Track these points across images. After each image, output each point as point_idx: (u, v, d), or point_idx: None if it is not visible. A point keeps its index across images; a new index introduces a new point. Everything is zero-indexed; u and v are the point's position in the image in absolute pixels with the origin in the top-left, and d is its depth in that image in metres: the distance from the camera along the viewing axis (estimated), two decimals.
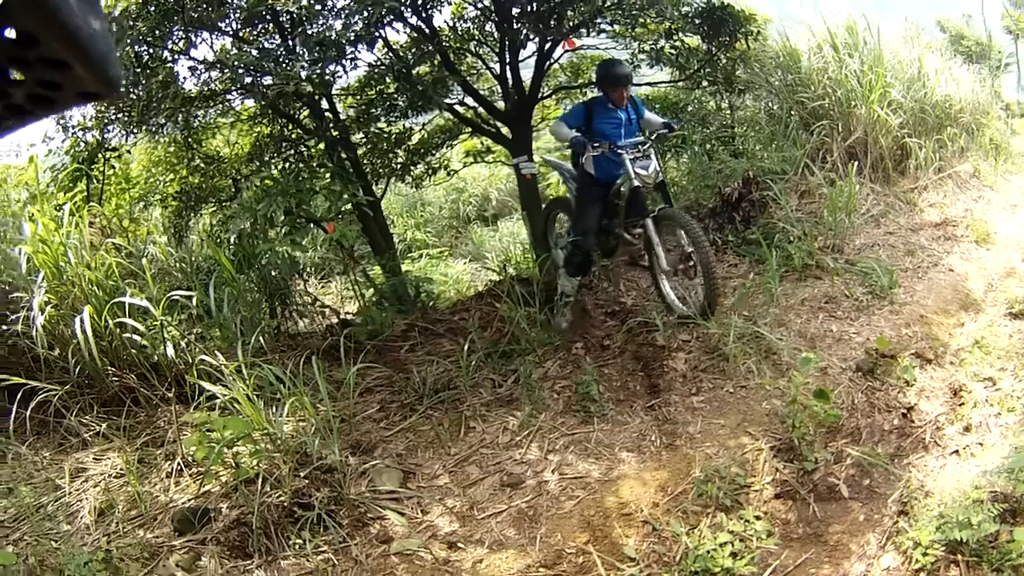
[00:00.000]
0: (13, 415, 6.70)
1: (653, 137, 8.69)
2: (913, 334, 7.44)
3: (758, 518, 5.51)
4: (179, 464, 6.59)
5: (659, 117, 9.20)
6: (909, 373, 6.72)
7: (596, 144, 8.11)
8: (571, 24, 10.07)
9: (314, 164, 10.49)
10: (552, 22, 10.08)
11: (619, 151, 8.09)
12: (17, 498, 6.12)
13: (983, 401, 6.28)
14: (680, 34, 11.54)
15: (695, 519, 5.61)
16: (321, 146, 10.69)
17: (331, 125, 10.31)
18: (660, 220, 8.16)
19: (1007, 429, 5.82)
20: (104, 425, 6.97)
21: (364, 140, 11.02)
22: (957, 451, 5.85)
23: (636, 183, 8.03)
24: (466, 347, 7.84)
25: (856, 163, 10.13)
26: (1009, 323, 7.54)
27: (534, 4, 10.24)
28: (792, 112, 11.51)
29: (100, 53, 0.82)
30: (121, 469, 6.49)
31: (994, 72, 14.09)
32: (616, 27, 11.54)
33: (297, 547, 5.71)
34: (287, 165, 10.72)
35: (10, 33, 0.77)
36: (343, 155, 10.05)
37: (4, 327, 7.36)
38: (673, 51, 11.54)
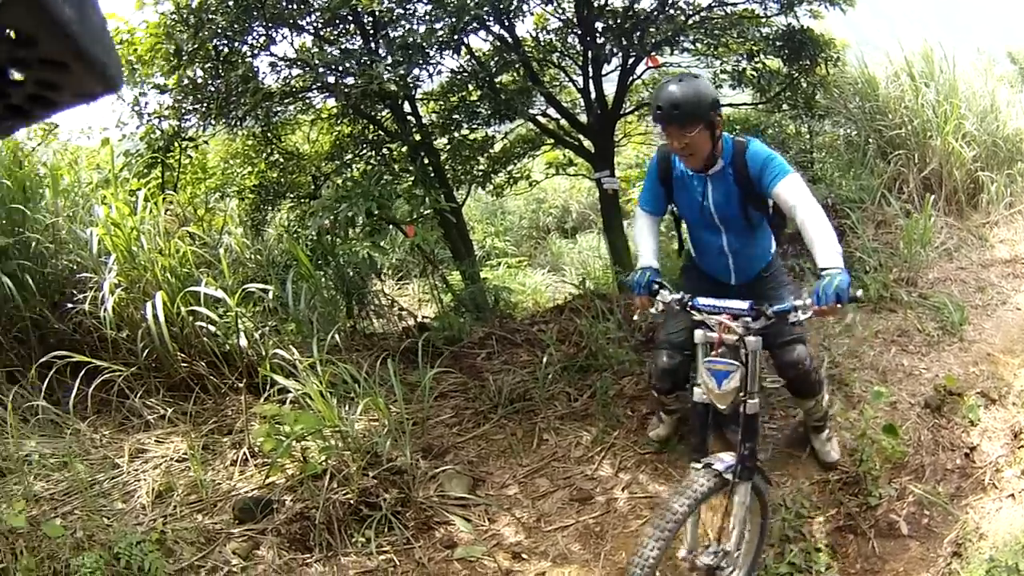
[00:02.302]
0: (74, 392, 6.77)
1: (774, 311, 4.79)
2: (979, 372, 7.42)
3: (819, 550, 5.58)
4: (245, 454, 6.68)
5: (829, 251, 4.77)
6: (974, 412, 6.73)
7: (660, 299, 5.22)
8: (654, 41, 9.91)
9: (396, 167, 10.55)
10: (635, 38, 10.04)
11: (693, 311, 5.03)
12: (71, 473, 6.18)
13: None
14: (762, 56, 11.54)
15: None
16: (403, 149, 10.76)
17: (414, 129, 10.42)
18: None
19: None
20: (170, 410, 7.09)
21: (446, 145, 11.03)
22: (1013, 495, 5.87)
23: (701, 396, 4.96)
24: (544, 359, 7.87)
25: (931, 195, 10.08)
26: None
27: (617, 19, 10.27)
28: (870, 140, 11.47)
29: (99, 54, 0.84)
30: (184, 453, 6.62)
31: None
32: (699, 46, 11.47)
33: (359, 545, 5.83)
34: (368, 166, 10.83)
35: (9, 34, 0.78)
36: (425, 160, 10.14)
37: (70, 305, 7.47)
38: (754, 73, 11.53)
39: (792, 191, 5.07)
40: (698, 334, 4.97)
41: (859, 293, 4.62)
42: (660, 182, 5.74)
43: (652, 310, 5.31)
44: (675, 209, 5.94)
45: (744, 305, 4.82)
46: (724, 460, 4.75)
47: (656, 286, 5.26)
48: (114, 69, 0.87)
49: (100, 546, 5.37)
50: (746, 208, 5.50)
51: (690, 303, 5.02)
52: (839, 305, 4.52)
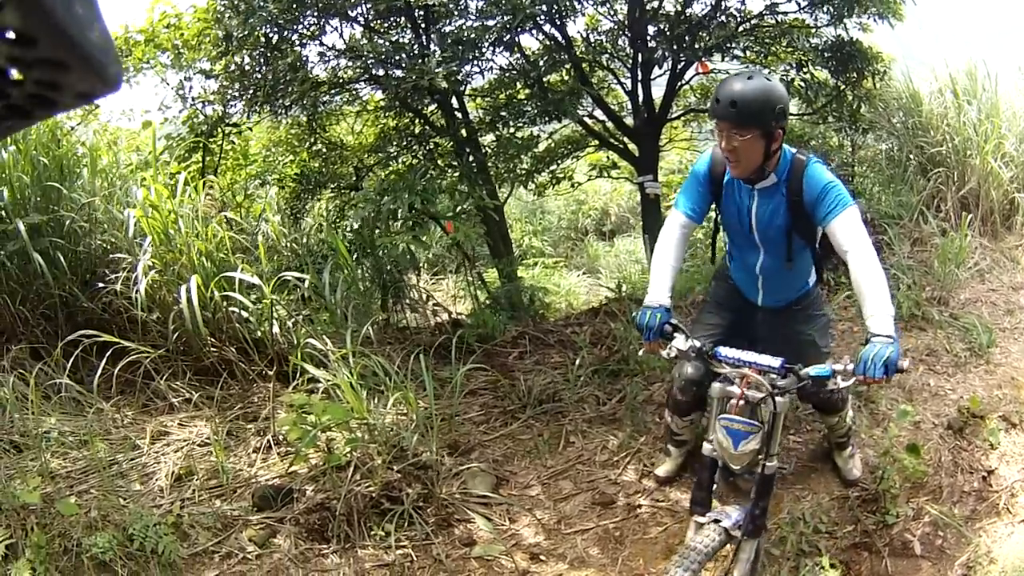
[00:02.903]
0: (99, 372, 6.87)
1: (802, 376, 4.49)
2: (1003, 396, 7.42)
3: (833, 566, 5.58)
4: (268, 442, 6.78)
5: (880, 304, 4.51)
6: (995, 436, 6.74)
7: (675, 345, 4.73)
8: (704, 46, 10.03)
9: (440, 162, 10.67)
10: (686, 42, 10.11)
11: (715, 363, 4.72)
12: (91, 451, 6.27)
13: None
14: (810, 66, 11.54)
15: (774, 561, 5.74)
16: (448, 144, 10.85)
17: (461, 124, 10.48)
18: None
19: None
20: (196, 394, 7.17)
21: (492, 143, 11.00)
22: None
23: (711, 453, 4.78)
24: (575, 361, 7.93)
25: (968, 215, 10.07)
26: None
27: (669, 24, 10.38)
28: (911, 156, 11.44)
29: (99, 53, 0.82)
30: (207, 438, 6.72)
31: None
32: (749, 53, 11.50)
33: (378, 539, 5.89)
34: (413, 160, 10.89)
35: (9, 34, 0.77)
36: (470, 156, 10.19)
37: (101, 285, 7.58)
38: (802, 83, 11.53)
39: (849, 231, 4.66)
40: (715, 387, 4.66)
41: (906, 364, 4.26)
42: (709, 184, 5.25)
43: (664, 354, 4.81)
44: (718, 217, 5.61)
45: (775, 362, 4.49)
46: (731, 516, 4.57)
47: (669, 328, 4.81)
48: (115, 68, 0.85)
49: (114, 526, 5.47)
50: (790, 234, 5.13)
51: (710, 352, 4.68)
52: (885, 378, 4.22)
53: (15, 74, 0.81)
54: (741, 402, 4.49)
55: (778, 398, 4.41)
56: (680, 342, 4.69)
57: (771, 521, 5.92)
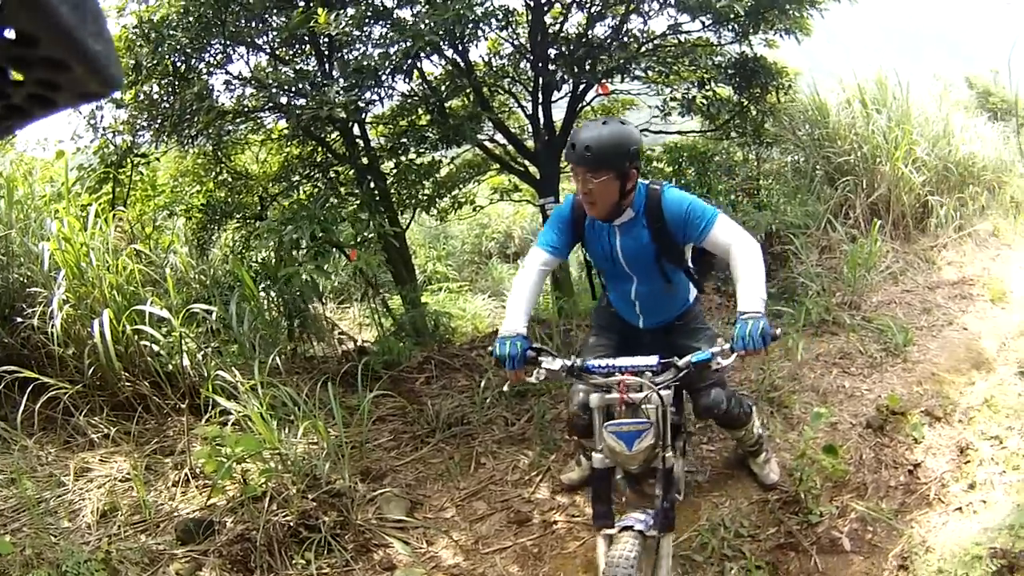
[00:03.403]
0: (22, 408, 6.77)
1: (680, 367, 4.55)
2: (924, 392, 7.44)
3: (759, 568, 5.53)
4: (186, 475, 6.70)
5: (755, 293, 4.58)
6: (918, 431, 6.73)
7: (544, 367, 4.66)
8: (605, 68, 10.01)
9: (342, 190, 10.52)
10: (587, 65, 10.10)
11: (589, 376, 4.67)
12: (19, 489, 6.21)
13: (989, 459, 6.27)
14: (712, 84, 11.62)
15: (697, 567, 5.66)
16: (350, 172, 10.76)
17: (362, 152, 10.41)
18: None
19: (1011, 487, 5.82)
20: (114, 429, 7.08)
21: (393, 169, 10.93)
22: (960, 508, 5.85)
23: (603, 463, 4.74)
24: (482, 383, 7.87)
25: (878, 220, 10.12)
26: (1019, 382, 7.47)
27: (570, 46, 10.33)
28: (818, 167, 11.53)
29: (100, 53, 0.82)
30: (127, 473, 6.63)
31: (1019, 129, 14.10)
32: (650, 73, 11.56)
33: (300, 567, 5.80)
34: (315, 188, 10.84)
35: (9, 33, 0.77)
36: (372, 183, 10.10)
37: (19, 320, 7.50)
38: (704, 101, 11.62)
39: (725, 234, 4.83)
40: (594, 398, 4.65)
41: (778, 331, 4.45)
42: (572, 224, 5.30)
43: (531, 379, 4.72)
44: (585, 256, 5.70)
45: (652, 360, 4.58)
46: (640, 519, 4.46)
47: (533, 353, 4.76)
48: (115, 68, 0.85)
49: (48, 564, 5.43)
50: (660, 260, 5.22)
51: (583, 368, 4.65)
52: (764, 349, 4.38)
53: (15, 74, 0.82)
54: (623, 407, 4.52)
55: (662, 392, 4.43)
56: (549, 363, 4.68)
57: (691, 529, 5.94)
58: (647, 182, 5.10)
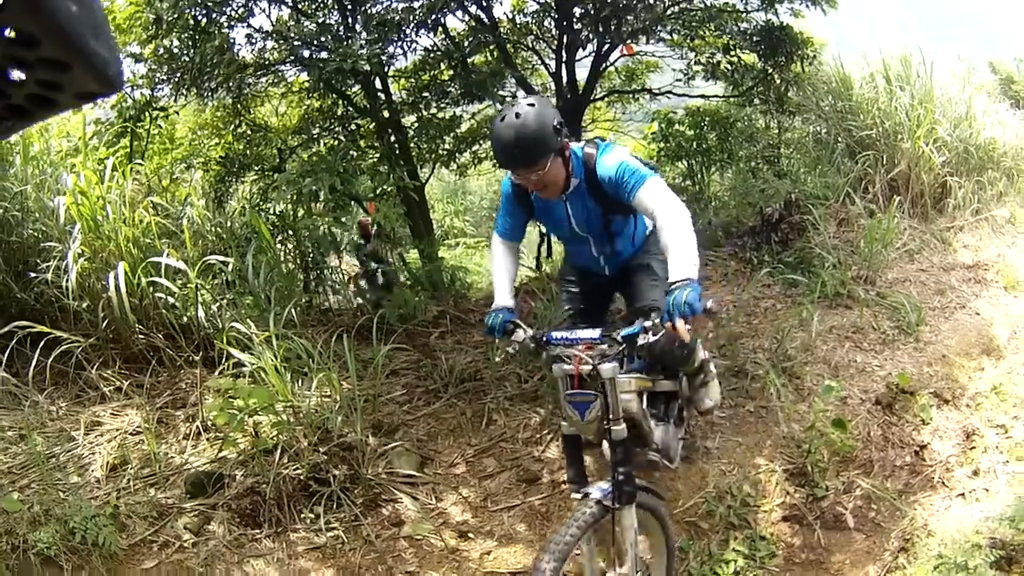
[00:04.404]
0: (33, 363, 6.77)
1: (626, 335, 4.54)
2: (934, 373, 7.40)
3: (764, 539, 5.61)
4: (198, 427, 6.73)
5: (681, 260, 4.40)
6: (926, 412, 6.73)
7: (514, 339, 4.94)
8: (631, 29, 9.98)
9: (362, 143, 10.53)
10: (612, 25, 10.03)
11: (549, 346, 4.76)
12: (28, 445, 6.25)
13: (993, 447, 6.28)
14: (737, 50, 11.63)
15: (703, 534, 5.72)
16: (371, 125, 10.73)
17: (383, 106, 10.38)
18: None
19: (1013, 477, 5.83)
20: (126, 382, 7.11)
21: (414, 123, 10.94)
22: (963, 494, 5.88)
23: (568, 429, 4.87)
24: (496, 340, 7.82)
25: (897, 197, 10.05)
26: None
27: (595, 5, 10.22)
28: (839, 139, 11.43)
29: (100, 54, 0.84)
30: (138, 427, 6.66)
31: None
32: (675, 36, 11.57)
33: (308, 521, 5.89)
34: (336, 141, 10.77)
35: (10, 34, 0.79)
36: (392, 137, 10.08)
37: (33, 275, 7.48)
38: (729, 66, 11.61)
39: (651, 199, 4.71)
40: (555, 369, 4.73)
41: (710, 304, 4.40)
42: (519, 207, 5.43)
43: (509, 349, 5.23)
44: (541, 228, 5.65)
45: (595, 333, 4.66)
46: (602, 488, 4.58)
47: (511, 326, 5.00)
48: (115, 68, 0.87)
49: (56, 520, 5.48)
50: (608, 219, 5.28)
51: (544, 338, 4.79)
52: (687, 323, 4.25)
53: (16, 74, 0.84)
54: (575, 377, 4.59)
55: (604, 365, 4.46)
56: (520, 335, 4.91)
57: (697, 495, 5.98)
58: (582, 144, 5.12)
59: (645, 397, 5.41)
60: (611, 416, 4.52)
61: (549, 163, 4.66)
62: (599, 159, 4.95)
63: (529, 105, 4.66)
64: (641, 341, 4.42)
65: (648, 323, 4.38)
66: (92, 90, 0.88)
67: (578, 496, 4.65)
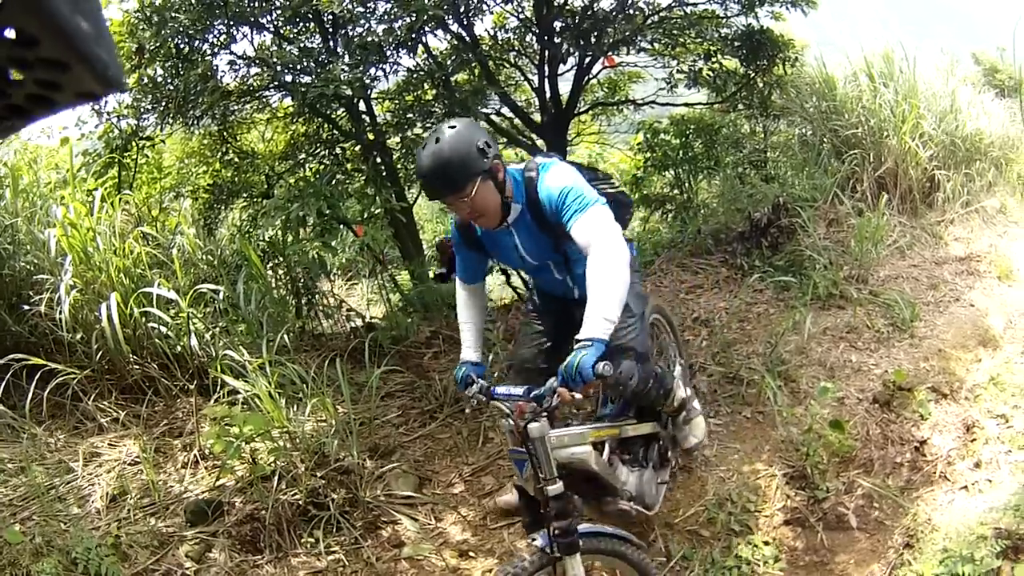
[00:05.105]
0: (30, 395, 6.73)
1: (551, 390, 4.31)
2: (931, 368, 7.40)
3: (766, 543, 5.60)
4: (195, 456, 6.73)
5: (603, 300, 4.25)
6: (924, 407, 6.72)
7: (467, 392, 5.00)
8: (611, 41, 10.03)
9: (349, 166, 10.51)
10: (593, 38, 10.09)
11: (495, 402, 4.68)
12: (28, 477, 6.25)
13: (995, 438, 6.27)
14: (719, 56, 11.61)
15: (704, 542, 5.71)
16: (356, 148, 10.69)
17: (368, 128, 10.35)
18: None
19: (1016, 467, 5.82)
20: (123, 412, 7.11)
21: (399, 145, 10.83)
22: (966, 487, 5.86)
23: (520, 481, 4.75)
24: (490, 358, 7.76)
25: (886, 194, 10.07)
26: None
27: (576, 19, 10.28)
28: (825, 140, 11.45)
29: (100, 54, 0.83)
30: (136, 457, 6.65)
31: None
32: (656, 46, 11.59)
33: (308, 545, 5.89)
34: (322, 166, 10.79)
35: (10, 33, 0.78)
36: (378, 159, 10.04)
37: (27, 307, 7.49)
38: (711, 73, 11.60)
39: (585, 234, 4.44)
40: (503, 423, 4.59)
41: (602, 368, 4.09)
42: (468, 248, 5.24)
43: (473, 401, 5.00)
44: (498, 266, 5.60)
45: (520, 391, 4.52)
46: (546, 536, 4.41)
47: (471, 379, 4.98)
48: (115, 68, 0.86)
49: (58, 551, 5.45)
50: (559, 247, 4.89)
51: (492, 394, 4.71)
52: (577, 393, 4.22)
53: (15, 74, 0.84)
54: (512, 434, 4.50)
55: (532, 424, 4.31)
56: (472, 390, 4.92)
57: (697, 503, 5.98)
58: (522, 167, 4.87)
59: (612, 444, 5.35)
60: (543, 476, 4.37)
61: (476, 187, 4.43)
62: (540, 179, 4.71)
63: (450, 128, 4.44)
64: (545, 404, 4.33)
65: (552, 383, 4.29)
66: (91, 90, 0.88)
67: (529, 541, 4.55)
